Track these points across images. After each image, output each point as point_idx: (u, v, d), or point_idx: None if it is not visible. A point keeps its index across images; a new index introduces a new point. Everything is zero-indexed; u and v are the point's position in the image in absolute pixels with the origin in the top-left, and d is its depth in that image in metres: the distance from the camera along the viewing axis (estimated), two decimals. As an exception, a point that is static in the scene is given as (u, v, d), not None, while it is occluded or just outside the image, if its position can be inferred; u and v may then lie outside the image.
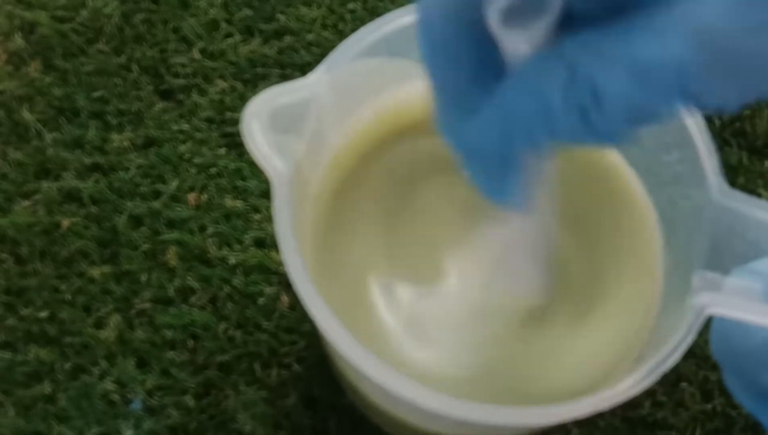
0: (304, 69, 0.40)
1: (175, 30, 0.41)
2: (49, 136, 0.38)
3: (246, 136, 0.23)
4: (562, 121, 0.16)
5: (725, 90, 0.16)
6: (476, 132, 0.18)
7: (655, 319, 0.26)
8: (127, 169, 0.38)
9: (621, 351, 0.26)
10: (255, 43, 0.41)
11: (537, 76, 0.17)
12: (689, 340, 0.23)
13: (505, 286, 0.27)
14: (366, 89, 0.28)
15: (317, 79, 0.25)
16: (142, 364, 0.35)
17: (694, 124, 0.25)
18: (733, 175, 0.38)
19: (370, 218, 0.28)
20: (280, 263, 0.36)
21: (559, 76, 0.16)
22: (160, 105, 0.39)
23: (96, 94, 0.39)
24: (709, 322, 0.24)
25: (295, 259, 0.22)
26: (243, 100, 0.39)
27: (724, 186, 0.24)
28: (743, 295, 0.23)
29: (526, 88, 0.17)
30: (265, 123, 0.23)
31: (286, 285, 0.36)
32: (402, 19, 0.26)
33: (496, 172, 0.19)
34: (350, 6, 0.42)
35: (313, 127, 0.24)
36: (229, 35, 0.41)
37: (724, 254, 0.24)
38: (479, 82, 0.18)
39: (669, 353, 0.22)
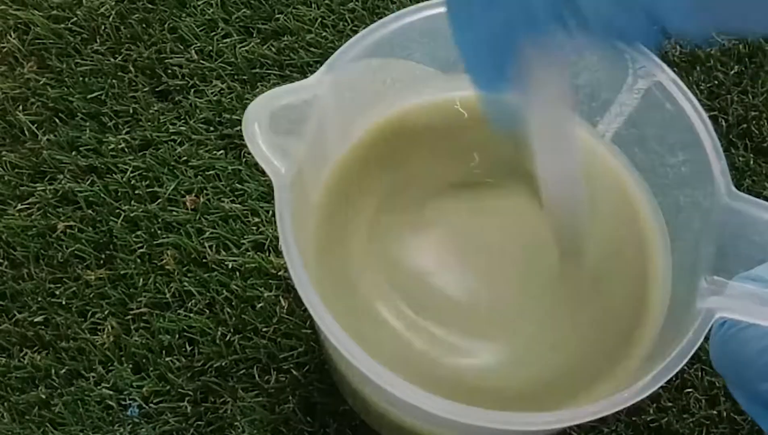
0: (303, 69, 0.39)
1: (172, 30, 0.41)
2: (44, 138, 0.38)
3: (247, 137, 0.23)
4: (543, 24, 0.19)
5: (698, 21, 0.17)
6: (471, 19, 0.20)
7: (662, 323, 0.26)
8: (123, 172, 0.37)
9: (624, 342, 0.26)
10: (253, 43, 0.40)
11: None
12: (699, 342, 0.22)
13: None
14: (367, 91, 0.28)
15: (318, 81, 0.24)
16: (138, 370, 0.34)
17: (702, 125, 0.25)
18: (739, 177, 0.38)
19: (372, 220, 0.28)
20: (279, 267, 0.36)
21: None
22: (156, 106, 0.39)
23: (92, 95, 0.39)
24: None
25: (298, 262, 0.22)
26: (241, 101, 0.38)
27: (732, 188, 0.24)
28: (750, 299, 0.22)
29: None
30: (266, 124, 0.23)
31: (285, 289, 0.35)
32: (402, 20, 0.26)
33: (487, 60, 0.21)
34: (350, 6, 0.41)
35: (314, 129, 0.24)
36: (227, 35, 0.40)
37: (731, 257, 0.23)
38: None
39: (679, 355, 0.22)
